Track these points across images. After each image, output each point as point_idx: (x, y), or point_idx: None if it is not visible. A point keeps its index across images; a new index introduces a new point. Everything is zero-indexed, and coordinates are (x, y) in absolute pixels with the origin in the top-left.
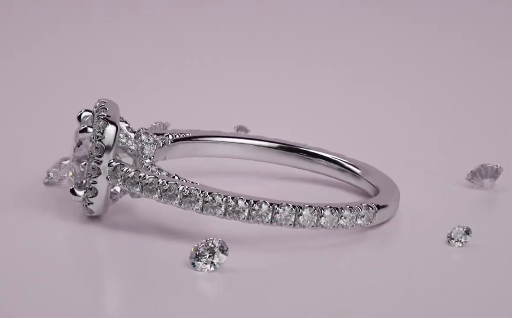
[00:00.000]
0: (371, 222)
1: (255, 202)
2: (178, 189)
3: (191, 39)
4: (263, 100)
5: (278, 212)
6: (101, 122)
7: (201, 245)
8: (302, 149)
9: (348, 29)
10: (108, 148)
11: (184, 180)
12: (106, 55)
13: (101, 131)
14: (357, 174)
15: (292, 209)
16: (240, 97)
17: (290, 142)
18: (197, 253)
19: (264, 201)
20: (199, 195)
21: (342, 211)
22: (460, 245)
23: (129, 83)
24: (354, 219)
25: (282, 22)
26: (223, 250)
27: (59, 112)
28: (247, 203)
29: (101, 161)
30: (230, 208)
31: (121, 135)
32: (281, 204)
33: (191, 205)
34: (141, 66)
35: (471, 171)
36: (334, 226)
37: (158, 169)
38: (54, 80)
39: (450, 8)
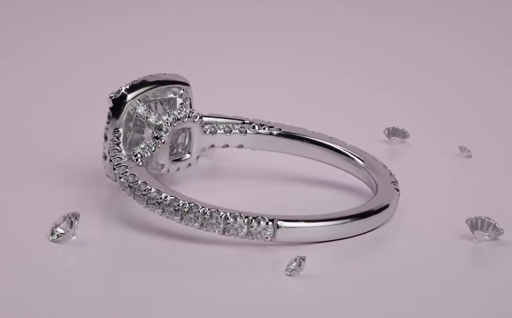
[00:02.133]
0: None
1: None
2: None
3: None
4: (268, 90)
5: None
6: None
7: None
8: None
9: (352, 24)
10: (111, 115)
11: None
12: (106, 55)
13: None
14: (361, 166)
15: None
16: (241, 88)
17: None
18: None
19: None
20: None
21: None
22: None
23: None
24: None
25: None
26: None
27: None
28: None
29: (107, 128)
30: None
31: (138, 107)
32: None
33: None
34: (141, 66)
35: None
36: None
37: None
38: (54, 80)
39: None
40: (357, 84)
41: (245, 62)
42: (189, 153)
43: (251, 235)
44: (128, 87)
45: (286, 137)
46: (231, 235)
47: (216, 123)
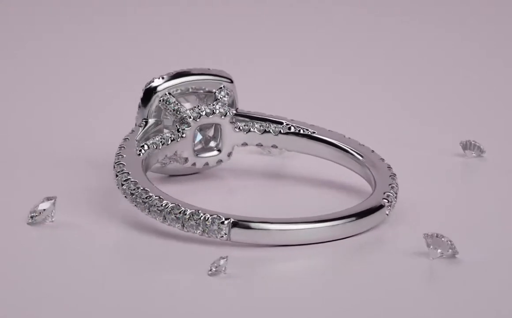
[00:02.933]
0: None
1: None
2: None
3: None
4: (268, 83)
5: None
6: None
7: None
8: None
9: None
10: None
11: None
12: (106, 55)
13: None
14: (360, 161)
15: None
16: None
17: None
18: None
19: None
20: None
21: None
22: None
23: (129, 82)
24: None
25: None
26: None
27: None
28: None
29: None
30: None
31: (169, 98)
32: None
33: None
34: (141, 66)
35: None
36: None
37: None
38: (54, 81)
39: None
40: (357, 84)
41: (245, 62)
42: (218, 150)
43: (207, 234)
44: (160, 77)
45: (319, 141)
46: (188, 232)
47: (253, 121)
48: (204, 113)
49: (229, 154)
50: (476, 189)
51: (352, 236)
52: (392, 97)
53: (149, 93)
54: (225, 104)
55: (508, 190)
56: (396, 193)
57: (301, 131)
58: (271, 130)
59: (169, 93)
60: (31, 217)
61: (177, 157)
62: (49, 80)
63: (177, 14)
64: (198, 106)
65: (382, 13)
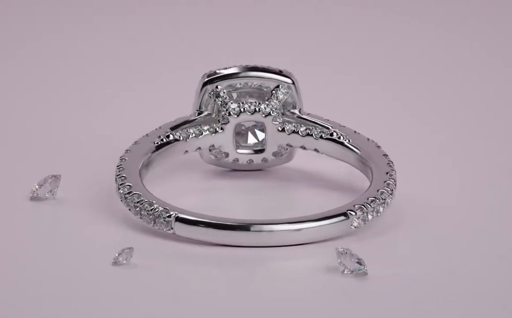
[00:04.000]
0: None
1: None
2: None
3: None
4: None
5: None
6: None
7: None
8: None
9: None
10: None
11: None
12: (106, 55)
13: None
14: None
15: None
16: None
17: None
18: None
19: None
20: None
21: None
22: None
23: (128, 84)
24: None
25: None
26: None
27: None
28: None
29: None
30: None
31: (220, 92)
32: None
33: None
34: (141, 66)
35: None
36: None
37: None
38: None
39: None
40: (357, 84)
41: (245, 62)
42: (261, 150)
43: (158, 226)
44: (215, 71)
45: (350, 149)
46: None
47: (300, 124)
48: (245, 110)
49: (276, 154)
50: (476, 189)
51: (313, 242)
52: (392, 97)
53: (205, 84)
54: (276, 103)
55: (508, 191)
56: (383, 201)
57: (341, 138)
58: (313, 134)
59: (217, 87)
60: (33, 191)
61: (217, 151)
62: (49, 80)
63: (177, 14)
64: (243, 102)
65: (382, 13)
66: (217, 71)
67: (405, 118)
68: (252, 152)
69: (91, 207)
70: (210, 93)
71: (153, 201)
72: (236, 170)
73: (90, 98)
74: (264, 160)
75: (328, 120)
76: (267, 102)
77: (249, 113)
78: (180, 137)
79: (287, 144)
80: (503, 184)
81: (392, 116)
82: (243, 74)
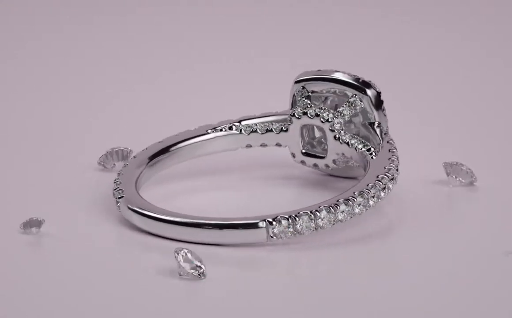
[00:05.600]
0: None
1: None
2: None
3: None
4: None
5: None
6: None
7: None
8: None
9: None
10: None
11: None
12: (106, 55)
13: None
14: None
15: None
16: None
17: None
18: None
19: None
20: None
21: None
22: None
23: (128, 85)
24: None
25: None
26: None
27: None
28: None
29: None
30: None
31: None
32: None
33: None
34: (141, 66)
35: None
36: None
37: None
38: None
39: None
40: None
41: (245, 62)
42: (321, 156)
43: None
44: (305, 72)
45: None
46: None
47: (356, 138)
48: (307, 113)
49: (334, 161)
50: (476, 189)
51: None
52: (392, 97)
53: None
54: (335, 113)
55: (509, 192)
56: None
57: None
58: (362, 150)
59: (303, 87)
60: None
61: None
62: (49, 80)
63: (177, 14)
64: (311, 105)
65: (382, 13)
66: (307, 72)
67: (405, 117)
68: (319, 156)
69: (91, 207)
70: (295, 92)
71: (119, 181)
72: (331, 175)
73: (90, 98)
74: (326, 166)
75: (390, 142)
76: (331, 110)
77: (310, 117)
78: (241, 131)
79: (342, 154)
80: (503, 185)
81: (392, 115)
82: (326, 76)
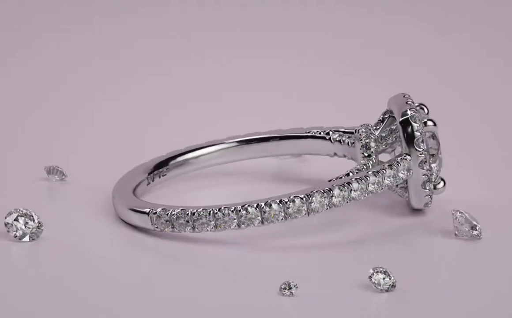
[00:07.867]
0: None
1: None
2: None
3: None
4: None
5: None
6: None
7: None
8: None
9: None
10: None
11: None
12: (106, 55)
13: None
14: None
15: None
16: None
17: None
18: None
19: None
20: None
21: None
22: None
23: (128, 87)
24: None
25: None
26: None
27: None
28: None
29: None
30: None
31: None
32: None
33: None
34: (141, 66)
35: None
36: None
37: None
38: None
39: None
40: (357, 84)
41: (245, 62)
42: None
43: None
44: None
45: None
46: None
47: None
48: (360, 139)
49: (399, 186)
50: (476, 189)
51: None
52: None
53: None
54: (373, 136)
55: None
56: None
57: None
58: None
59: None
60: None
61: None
62: (49, 80)
63: (177, 14)
64: (377, 128)
65: (382, 13)
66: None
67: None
68: None
69: (92, 206)
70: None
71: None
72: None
73: (90, 98)
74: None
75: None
76: (379, 136)
77: (360, 140)
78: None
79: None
80: (504, 183)
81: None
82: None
